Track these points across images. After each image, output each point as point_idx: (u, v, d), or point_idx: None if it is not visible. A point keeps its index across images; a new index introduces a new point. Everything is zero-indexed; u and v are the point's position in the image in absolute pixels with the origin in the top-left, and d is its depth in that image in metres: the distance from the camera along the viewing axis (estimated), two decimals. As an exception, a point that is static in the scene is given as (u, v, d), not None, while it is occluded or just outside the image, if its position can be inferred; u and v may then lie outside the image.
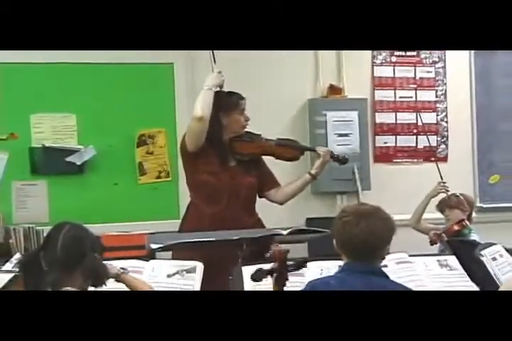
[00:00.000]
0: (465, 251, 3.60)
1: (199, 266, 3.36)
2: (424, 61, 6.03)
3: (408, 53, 5.99)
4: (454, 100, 6.07)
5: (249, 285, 3.11)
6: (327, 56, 5.78)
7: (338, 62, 5.83)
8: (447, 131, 6.07)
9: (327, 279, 2.88)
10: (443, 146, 6.06)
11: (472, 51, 6.06)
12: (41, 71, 5.27)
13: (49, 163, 5.25)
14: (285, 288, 2.72)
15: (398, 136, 5.97)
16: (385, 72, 5.95)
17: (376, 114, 5.93)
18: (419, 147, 5.99)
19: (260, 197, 4.35)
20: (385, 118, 5.95)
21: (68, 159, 5.26)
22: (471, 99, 6.11)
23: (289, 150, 4.35)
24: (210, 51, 4.24)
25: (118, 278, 3.00)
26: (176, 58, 5.44)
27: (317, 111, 5.73)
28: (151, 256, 3.76)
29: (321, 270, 3.28)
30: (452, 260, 3.54)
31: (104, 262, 2.97)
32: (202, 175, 4.15)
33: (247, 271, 3.18)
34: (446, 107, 6.07)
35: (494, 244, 3.67)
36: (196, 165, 4.16)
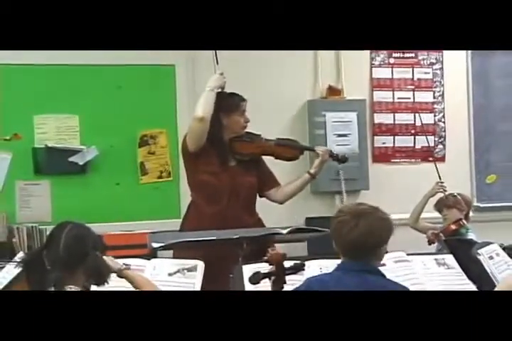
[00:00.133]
0: (462, 250, 3.60)
1: (200, 265, 3.36)
2: (421, 62, 6.02)
3: (406, 55, 5.99)
4: (451, 101, 6.06)
5: (249, 284, 3.11)
6: (326, 57, 5.78)
7: (337, 63, 5.82)
8: (445, 131, 6.07)
9: (323, 277, 2.88)
10: (440, 146, 6.05)
11: (469, 52, 6.06)
12: (44, 72, 5.27)
13: (52, 163, 5.25)
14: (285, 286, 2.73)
15: (396, 137, 5.97)
16: (384, 73, 5.95)
17: (375, 114, 5.93)
18: (417, 147, 5.99)
19: (260, 196, 4.35)
20: (383, 118, 5.95)
21: (71, 159, 5.26)
22: (468, 99, 6.10)
23: (288, 150, 4.35)
24: (213, 52, 4.24)
25: (120, 274, 3.00)
26: (177, 60, 5.44)
27: (316, 112, 5.73)
28: (152, 254, 3.77)
29: (320, 269, 3.28)
30: (450, 259, 3.54)
31: (107, 257, 2.97)
32: (203, 175, 4.15)
33: (248, 269, 3.18)
34: (443, 108, 6.07)
35: (491, 243, 3.67)
36: (197, 165, 4.17)
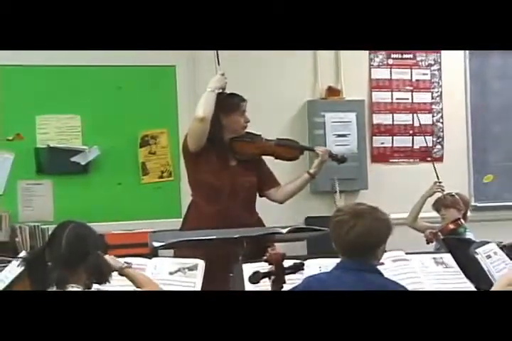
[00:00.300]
0: (460, 249, 3.60)
1: (200, 264, 3.35)
2: (420, 63, 6.02)
3: (404, 56, 5.99)
4: (449, 102, 6.06)
5: (249, 283, 3.10)
6: (326, 58, 5.78)
7: (337, 64, 5.82)
8: (443, 131, 6.07)
9: (322, 276, 2.88)
10: (438, 147, 6.05)
11: (467, 54, 6.06)
12: (47, 73, 5.27)
13: (54, 163, 5.25)
14: (284, 286, 2.73)
15: (395, 137, 5.97)
16: (382, 74, 5.95)
17: (373, 115, 5.93)
18: (415, 147, 5.99)
19: (260, 196, 4.34)
20: (382, 119, 5.95)
21: (73, 159, 5.26)
22: (466, 100, 6.11)
23: (288, 150, 4.34)
24: (214, 53, 4.24)
25: (121, 272, 3.00)
26: (178, 60, 5.44)
27: (316, 113, 5.73)
28: (153, 253, 3.75)
29: (319, 267, 3.27)
30: (448, 258, 3.53)
31: (109, 256, 2.96)
32: (203, 175, 4.14)
33: (248, 268, 3.18)
34: (441, 108, 6.07)
35: (489, 242, 3.66)
36: (197, 165, 4.16)
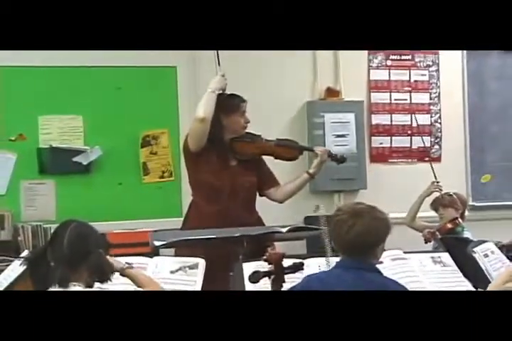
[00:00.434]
0: (458, 248, 3.59)
1: (201, 263, 3.35)
2: (418, 64, 6.02)
3: (403, 57, 5.99)
4: (447, 102, 6.06)
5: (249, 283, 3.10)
6: (325, 60, 5.79)
7: (336, 65, 5.82)
8: (441, 132, 6.06)
9: (321, 275, 2.87)
10: (436, 147, 6.05)
11: (465, 55, 6.06)
12: (49, 74, 5.27)
13: (56, 163, 5.25)
14: (284, 285, 2.72)
15: (393, 137, 5.97)
16: (381, 75, 5.95)
17: (372, 115, 5.93)
18: (413, 147, 5.99)
19: (260, 195, 4.34)
20: (380, 119, 5.95)
21: (75, 159, 5.26)
22: (463, 101, 6.11)
23: (288, 150, 4.34)
24: (215, 54, 4.24)
25: (123, 273, 3.00)
26: (179, 61, 5.44)
27: (315, 113, 5.73)
28: (154, 252, 3.75)
29: (319, 266, 3.27)
30: (446, 257, 3.53)
31: (110, 257, 2.96)
32: (204, 175, 4.14)
33: (248, 267, 3.18)
34: (439, 109, 6.07)
35: (486, 241, 3.66)
36: (198, 165, 4.16)
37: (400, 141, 5.97)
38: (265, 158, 4.36)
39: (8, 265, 3.51)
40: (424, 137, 5.70)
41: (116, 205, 5.32)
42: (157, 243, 3.62)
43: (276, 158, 4.34)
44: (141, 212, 5.35)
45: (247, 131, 4.26)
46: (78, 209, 5.06)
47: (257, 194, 4.31)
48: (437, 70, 6.06)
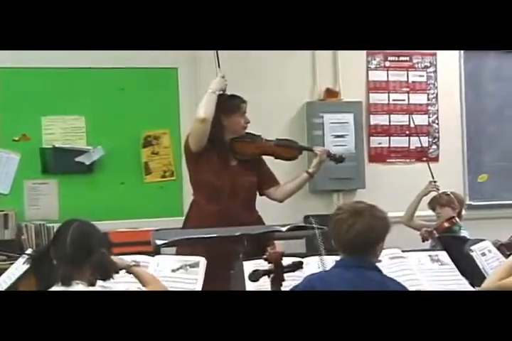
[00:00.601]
0: (455, 247, 3.59)
1: (202, 261, 3.34)
2: (416, 66, 6.02)
3: (401, 58, 5.99)
4: (444, 103, 6.06)
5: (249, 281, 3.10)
6: (324, 61, 5.79)
7: (335, 66, 5.82)
8: (438, 132, 6.07)
9: (323, 274, 2.87)
10: (434, 147, 6.05)
11: (462, 56, 6.06)
12: (52, 75, 5.27)
13: (59, 162, 5.25)
14: (283, 284, 2.72)
15: (392, 137, 5.97)
16: (379, 76, 5.95)
17: (371, 116, 5.93)
18: (411, 148, 5.99)
19: (261, 195, 4.34)
20: (379, 120, 5.95)
21: (78, 159, 5.27)
22: (461, 102, 6.11)
23: (287, 150, 4.33)
24: (215, 56, 4.24)
25: (129, 270, 3.00)
26: (180, 63, 5.45)
27: (314, 114, 5.73)
28: (156, 251, 3.75)
29: (318, 265, 3.26)
30: (443, 255, 3.53)
31: (115, 256, 2.97)
32: (204, 174, 4.14)
33: (248, 265, 3.17)
34: (437, 110, 6.07)
35: (483, 239, 3.66)
36: (199, 165, 4.16)
37: (398, 141, 5.97)
38: (265, 157, 4.36)
39: (11, 263, 3.51)
40: (422, 137, 5.70)
41: (118, 205, 5.32)
42: (159, 242, 3.62)
43: (276, 157, 4.34)
44: (142, 211, 5.35)
45: (247, 131, 4.26)
46: (81, 209, 5.07)
47: (257, 193, 4.30)
48: (435, 71, 6.06)
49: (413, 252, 3.53)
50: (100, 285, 2.77)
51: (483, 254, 3.52)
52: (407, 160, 5.99)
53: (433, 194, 5.03)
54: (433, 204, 5.00)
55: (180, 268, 3.32)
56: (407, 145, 5.98)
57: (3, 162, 5.18)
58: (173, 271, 3.32)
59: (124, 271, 3.00)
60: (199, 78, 5.31)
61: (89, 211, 4.90)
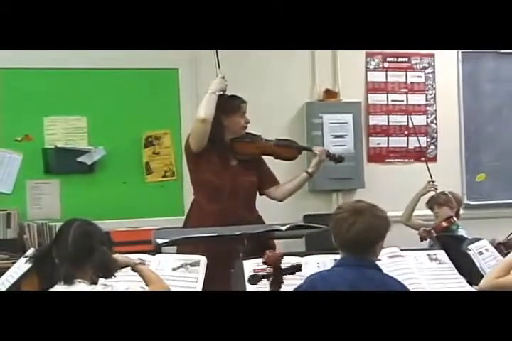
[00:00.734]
0: (453, 246, 3.59)
1: (203, 260, 3.34)
2: (414, 66, 6.02)
3: (400, 59, 5.99)
4: (442, 103, 6.06)
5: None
6: (323, 62, 5.78)
7: (334, 67, 5.82)
8: (436, 132, 6.06)
9: (324, 273, 2.86)
10: (432, 147, 6.05)
11: (460, 57, 6.06)
12: (54, 76, 5.27)
13: (61, 162, 5.25)
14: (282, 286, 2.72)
15: (390, 138, 5.97)
16: (378, 77, 5.94)
17: (370, 116, 5.93)
18: (410, 148, 5.99)
19: (261, 194, 4.33)
20: (378, 120, 5.94)
21: (79, 159, 5.26)
22: (458, 102, 6.10)
23: (287, 150, 4.33)
24: (215, 56, 4.24)
25: (134, 268, 3.00)
26: (180, 64, 5.44)
27: (314, 114, 5.73)
28: (157, 250, 3.75)
29: (317, 264, 3.27)
30: (441, 254, 3.53)
31: (119, 255, 2.97)
32: (205, 174, 4.14)
33: (248, 264, 3.17)
34: (435, 110, 6.06)
35: (481, 239, 3.66)
36: (199, 165, 4.16)
37: (397, 142, 5.97)
38: (265, 157, 4.36)
39: (14, 262, 3.51)
40: (420, 137, 5.69)
41: (120, 204, 5.31)
42: (160, 241, 3.62)
43: (275, 157, 4.34)
44: (143, 210, 5.35)
45: (247, 131, 4.25)
46: (82, 208, 5.07)
47: (257, 193, 4.30)
48: (433, 72, 6.06)
49: (412, 251, 3.53)
50: (102, 284, 2.77)
51: (481, 253, 3.52)
52: (406, 160, 5.98)
53: (431, 193, 5.03)
54: (431, 204, 5.00)
55: (181, 266, 3.32)
56: (405, 145, 5.98)
57: (5, 162, 5.18)
58: (174, 269, 3.32)
59: (129, 268, 3.00)
60: (200, 78, 5.31)
61: (91, 210, 4.90)
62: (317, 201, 5.73)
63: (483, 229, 4.52)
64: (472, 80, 6.13)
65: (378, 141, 5.94)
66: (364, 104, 5.89)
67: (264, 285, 2.82)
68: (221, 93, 4.16)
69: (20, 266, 3.33)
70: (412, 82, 6.02)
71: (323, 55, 5.74)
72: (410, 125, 5.82)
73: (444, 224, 4.80)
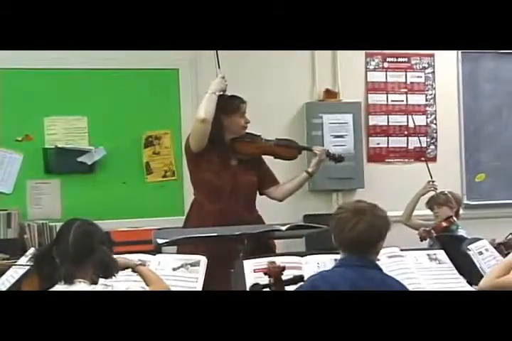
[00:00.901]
0: (453, 246, 3.59)
1: (203, 260, 3.34)
2: (414, 67, 6.02)
3: (399, 59, 5.99)
4: (442, 103, 6.06)
5: (249, 279, 3.10)
6: (323, 62, 5.78)
7: (334, 67, 5.82)
8: (436, 132, 6.06)
9: (324, 273, 2.85)
10: (432, 147, 6.05)
11: (460, 57, 6.06)
12: (55, 76, 5.27)
13: (62, 162, 5.25)
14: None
15: (390, 138, 5.97)
16: (378, 77, 5.94)
17: (369, 116, 5.92)
18: (409, 148, 5.99)
19: (261, 194, 4.33)
20: (377, 120, 5.94)
21: (80, 159, 5.26)
22: (458, 102, 6.10)
23: (287, 149, 4.33)
24: (215, 57, 4.24)
25: (135, 269, 3.00)
26: (181, 64, 5.44)
27: (314, 114, 5.73)
28: (157, 250, 3.75)
29: (317, 264, 3.26)
30: (441, 254, 3.52)
31: (121, 256, 2.97)
32: (205, 174, 4.14)
33: (248, 264, 3.17)
34: (435, 110, 6.06)
35: (480, 239, 3.66)
36: (199, 165, 4.15)
37: (397, 142, 5.97)
38: (265, 157, 4.36)
39: (14, 262, 3.50)
40: (420, 137, 5.69)
41: (120, 204, 5.31)
42: (160, 241, 3.61)
43: (275, 157, 4.34)
44: (144, 210, 5.35)
45: (247, 131, 4.25)
46: (83, 208, 5.07)
47: (257, 193, 4.30)
48: (433, 72, 6.05)
49: (411, 251, 3.53)
50: (102, 284, 2.77)
51: (481, 253, 3.52)
52: (406, 160, 5.98)
53: (431, 193, 5.03)
54: (431, 204, 5.00)
55: (181, 266, 3.32)
56: (405, 145, 5.98)
57: (6, 162, 5.18)
58: (174, 269, 3.32)
59: (130, 270, 3.00)
60: (200, 79, 5.30)
61: (91, 210, 4.90)
62: (317, 201, 5.73)
63: (482, 229, 4.52)
64: (472, 80, 6.13)
65: (378, 141, 5.94)
66: (364, 104, 5.89)
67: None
68: (221, 93, 4.16)
69: (21, 266, 3.33)
70: (411, 82, 6.01)
71: (323, 55, 5.74)
72: (410, 125, 5.81)
73: (444, 224, 4.80)
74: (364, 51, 5.89)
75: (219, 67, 4.24)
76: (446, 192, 4.98)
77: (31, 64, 5.11)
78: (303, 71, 5.75)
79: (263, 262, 3.01)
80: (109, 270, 2.81)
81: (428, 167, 5.09)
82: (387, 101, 5.95)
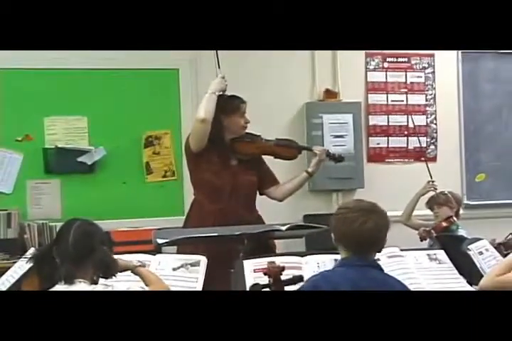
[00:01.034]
0: (453, 246, 3.59)
1: (203, 260, 3.34)
2: (414, 67, 6.02)
3: (399, 59, 5.99)
4: (442, 103, 6.06)
5: (249, 278, 3.10)
6: (323, 62, 5.78)
7: (334, 67, 5.82)
8: (436, 132, 6.06)
9: (326, 274, 2.85)
10: (432, 147, 6.05)
11: (460, 57, 6.06)
12: (55, 76, 5.27)
13: (62, 162, 5.25)
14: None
15: (390, 138, 5.97)
16: (378, 77, 5.94)
17: (369, 116, 5.92)
18: (409, 148, 5.99)
19: (261, 194, 4.33)
20: (377, 120, 5.94)
21: (80, 159, 5.26)
22: (458, 102, 6.10)
23: (287, 149, 4.33)
24: (215, 57, 4.24)
25: (134, 271, 3.00)
26: (181, 64, 5.44)
27: (314, 114, 5.73)
28: (157, 250, 3.74)
29: (317, 264, 3.26)
30: (441, 254, 3.52)
31: (121, 257, 2.97)
32: (205, 174, 4.14)
33: (248, 264, 3.17)
34: (435, 110, 6.06)
35: (481, 238, 3.66)
36: (199, 165, 4.15)
37: (397, 142, 5.97)
38: (265, 157, 4.36)
39: (14, 262, 3.50)
40: (420, 137, 5.70)
41: (120, 204, 5.31)
42: (160, 241, 3.61)
43: (275, 157, 4.34)
44: (144, 210, 5.35)
45: (247, 131, 4.25)
46: (83, 208, 5.07)
47: (257, 193, 4.30)
48: (433, 72, 6.05)
49: (411, 251, 3.53)
50: (102, 284, 2.77)
51: (481, 253, 3.52)
52: (406, 160, 5.98)
53: (431, 193, 5.03)
54: (431, 204, 5.00)
55: (181, 266, 3.32)
56: (405, 145, 5.98)
57: (6, 162, 5.18)
58: (174, 269, 3.32)
59: (129, 271, 3.00)
60: (200, 79, 5.31)
61: (91, 210, 4.91)
62: (317, 201, 5.73)
63: (482, 229, 4.51)
64: (472, 80, 6.13)
65: (378, 141, 5.94)
66: (364, 104, 5.89)
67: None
68: (221, 93, 4.16)
69: (21, 266, 3.33)
70: (411, 82, 6.02)
71: (323, 55, 5.74)
72: (410, 125, 5.81)
73: (444, 224, 4.80)
74: (364, 51, 5.89)
75: (219, 67, 4.24)
76: (446, 192, 4.98)
77: (31, 64, 5.12)
78: (303, 71, 5.75)
79: (263, 262, 3.00)
80: (110, 270, 2.81)
81: (428, 167, 5.09)
82: (387, 101, 5.95)
